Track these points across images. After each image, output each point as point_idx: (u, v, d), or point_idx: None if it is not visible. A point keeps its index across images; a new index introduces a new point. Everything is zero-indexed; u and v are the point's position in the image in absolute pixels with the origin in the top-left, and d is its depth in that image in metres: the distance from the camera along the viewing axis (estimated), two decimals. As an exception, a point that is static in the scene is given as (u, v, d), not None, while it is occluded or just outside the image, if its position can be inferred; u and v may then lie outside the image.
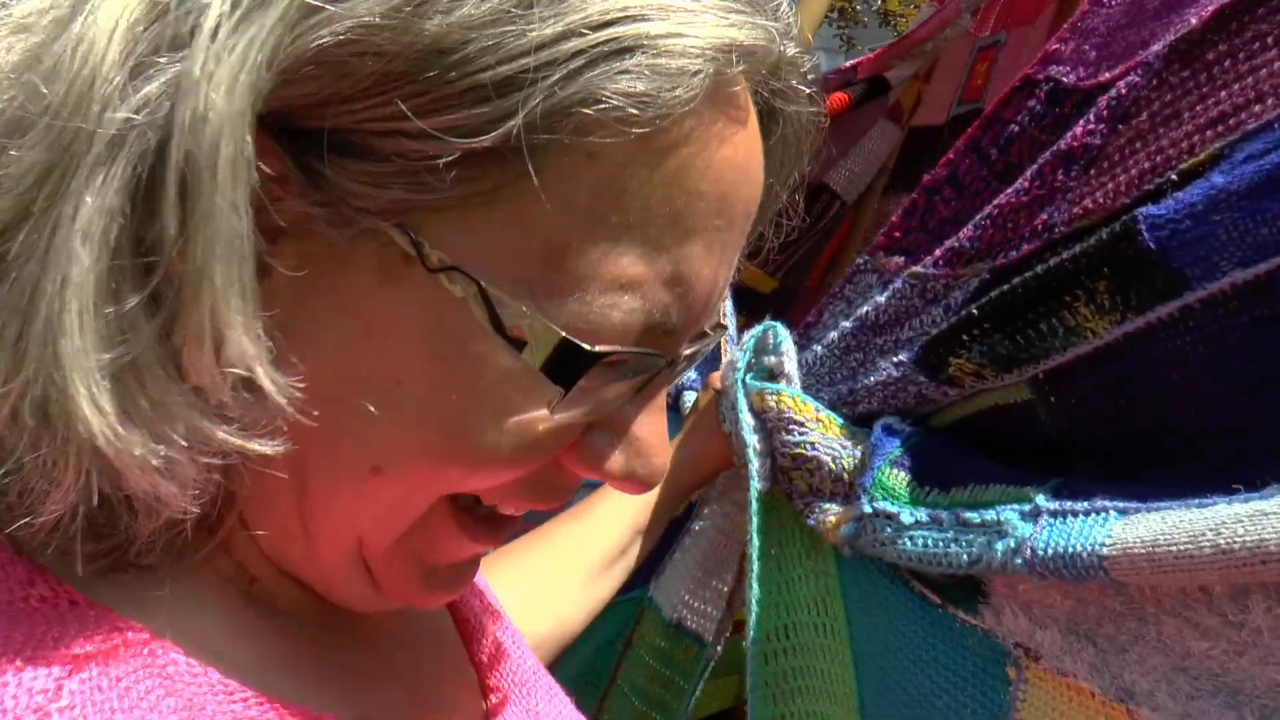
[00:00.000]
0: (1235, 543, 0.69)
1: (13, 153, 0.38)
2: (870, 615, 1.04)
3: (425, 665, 0.64)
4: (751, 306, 1.71)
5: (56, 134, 0.38)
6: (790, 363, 1.12)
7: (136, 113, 0.38)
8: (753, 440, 1.09)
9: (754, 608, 1.11)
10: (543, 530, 1.13)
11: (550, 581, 1.10)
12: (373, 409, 0.45)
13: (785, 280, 1.92)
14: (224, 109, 0.37)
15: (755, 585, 1.11)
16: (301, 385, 0.43)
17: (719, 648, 1.23)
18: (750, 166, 0.50)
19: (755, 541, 1.09)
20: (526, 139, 0.42)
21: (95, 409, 0.38)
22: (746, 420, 1.10)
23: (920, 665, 0.97)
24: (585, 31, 0.41)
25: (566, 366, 0.45)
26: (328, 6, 0.39)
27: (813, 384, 1.17)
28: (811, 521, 1.07)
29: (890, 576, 1.01)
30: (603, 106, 0.42)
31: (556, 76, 0.41)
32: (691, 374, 1.37)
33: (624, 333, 0.47)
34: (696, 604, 1.32)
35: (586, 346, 0.45)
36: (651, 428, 0.52)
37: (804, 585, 1.11)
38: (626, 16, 0.42)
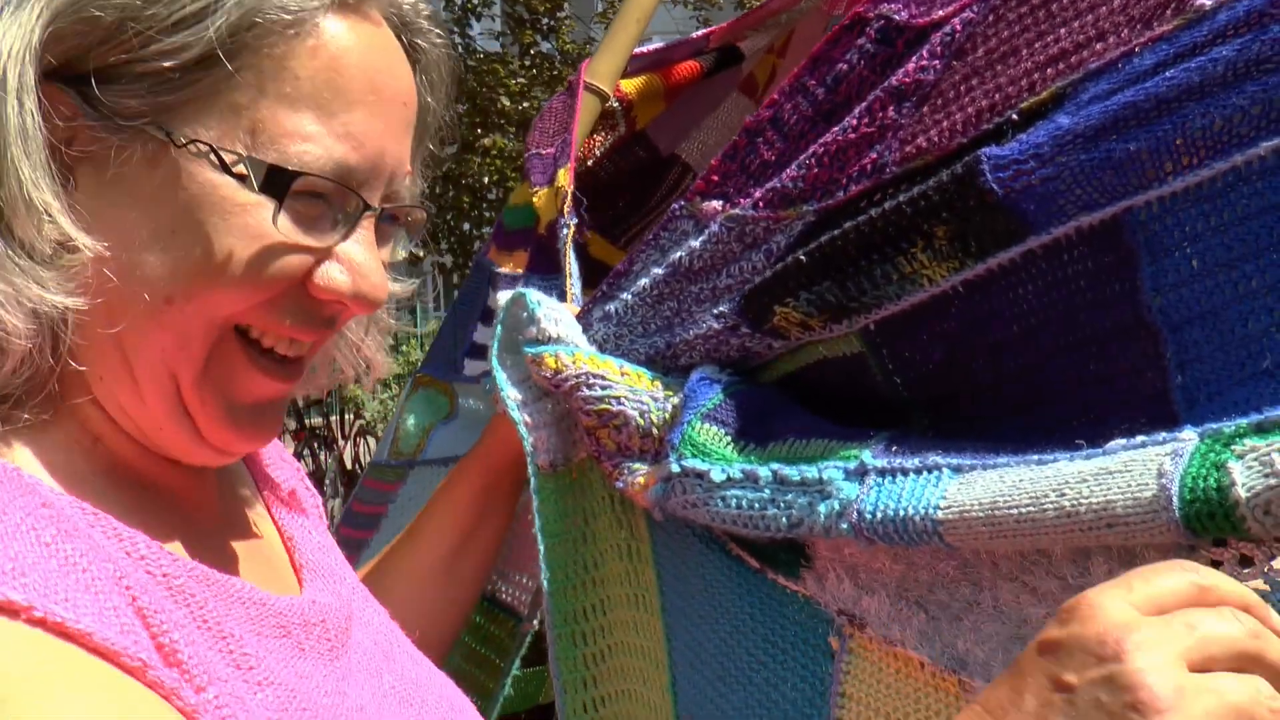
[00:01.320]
0: (1080, 505, 0.64)
1: None
2: (684, 584, 0.97)
3: (246, 532, 0.81)
4: (601, 278, 1.64)
5: None
6: (556, 324, 1.05)
7: None
8: (522, 415, 1.04)
9: (549, 587, 1.02)
10: (379, 558, 1.14)
11: (401, 593, 1.07)
12: (158, 253, 0.65)
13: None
14: (13, 77, 0.61)
15: (546, 565, 1.02)
16: (105, 245, 0.63)
17: (535, 622, 1.14)
18: (393, 66, 0.72)
19: (539, 519, 1.02)
20: (221, 49, 0.63)
21: None
22: (512, 395, 1.05)
23: (737, 636, 0.90)
24: None
25: (275, 183, 0.65)
26: None
27: (625, 335, 1.09)
28: (620, 484, 0.98)
29: (706, 540, 0.94)
30: (267, 19, 0.64)
31: (230, 3, 0.63)
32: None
33: (319, 170, 0.67)
34: (513, 575, 1.24)
35: (287, 167, 0.65)
36: (364, 256, 0.71)
37: (616, 556, 1.03)
38: None
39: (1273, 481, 0.56)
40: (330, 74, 0.67)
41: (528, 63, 8.89)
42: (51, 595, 0.54)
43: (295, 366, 0.73)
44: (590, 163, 1.54)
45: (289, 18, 0.65)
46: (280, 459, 0.95)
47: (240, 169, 0.64)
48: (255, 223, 0.66)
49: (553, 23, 8.97)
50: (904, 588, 0.79)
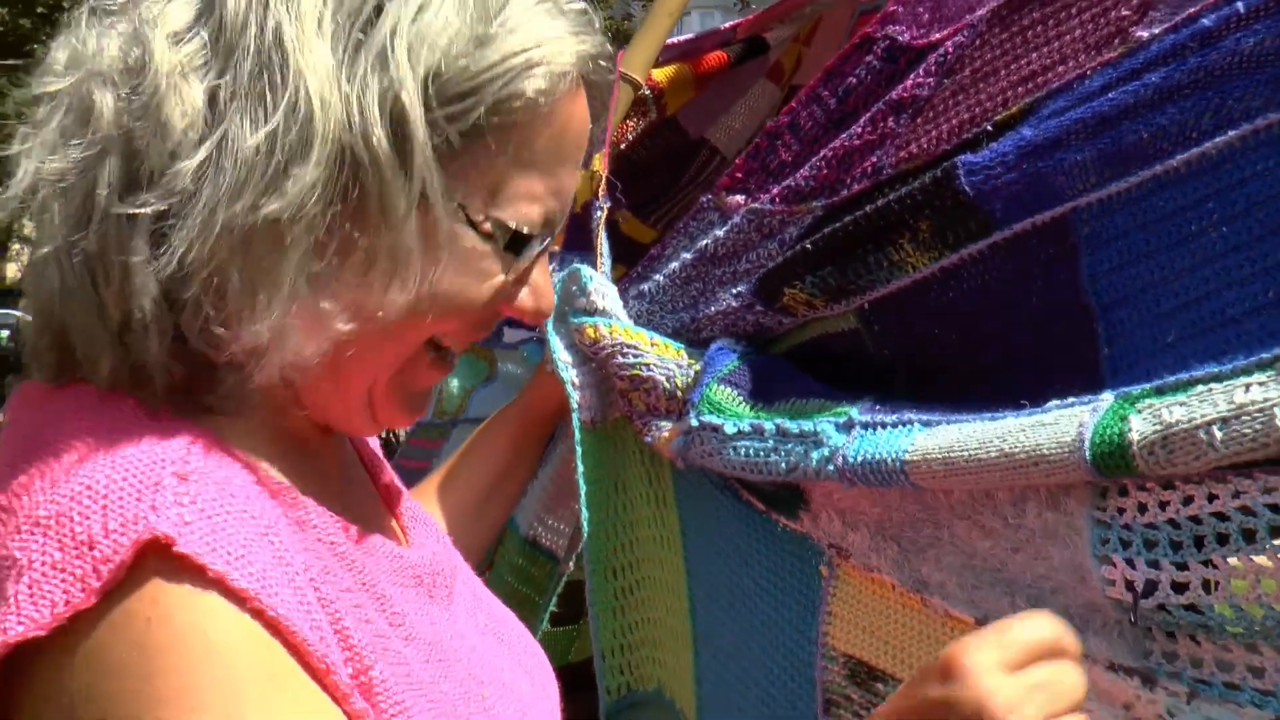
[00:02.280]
0: (1016, 448, 0.78)
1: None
2: (702, 524, 1.12)
3: (368, 488, 0.91)
4: (632, 255, 1.76)
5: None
6: (603, 299, 1.19)
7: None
8: (570, 375, 1.18)
9: (588, 528, 1.17)
10: (418, 489, 1.23)
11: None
12: (399, 289, 0.70)
13: (666, 231, 1.98)
14: (419, 130, 0.68)
15: (586, 509, 1.17)
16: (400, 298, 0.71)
17: (570, 564, 1.29)
18: (585, 115, 0.79)
19: (581, 467, 1.16)
20: (485, 123, 0.70)
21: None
22: (563, 357, 1.20)
23: (746, 567, 1.05)
24: (511, 58, 0.70)
25: (517, 244, 0.75)
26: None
27: (656, 311, 1.24)
28: (649, 439, 1.13)
29: (720, 486, 1.09)
30: (522, 98, 0.71)
31: (498, 84, 0.70)
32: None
33: (537, 223, 0.76)
34: (551, 521, 1.39)
35: (527, 231, 0.75)
36: (544, 279, 0.82)
37: (644, 503, 1.18)
38: (532, 46, 0.71)
39: (1158, 428, 0.70)
40: (558, 141, 0.75)
41: None
42: (268, 589, 0.59)
43: (454, 359, 0.82)
44: (624, 146, 1.66)
45: (536, 99, 0.71)
46: None
47: (487, 228, 0.73)
48: (487, 268, 0.74)
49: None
50: (881, 526, 0.93)
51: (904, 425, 0.90)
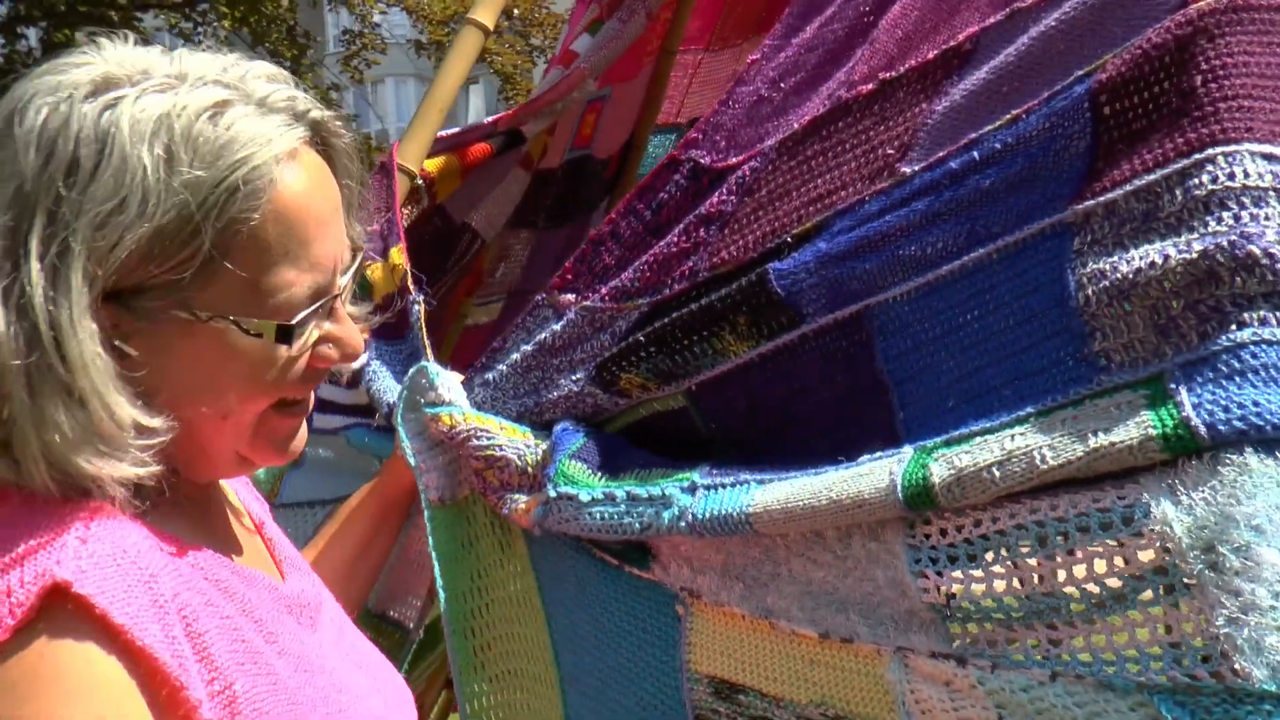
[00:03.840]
0: (843, 495, 1.00)
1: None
2: (560, 583, 1.28)
3: (247, 530, 1.05)
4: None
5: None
6: (449, 391, 1.35)
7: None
8: (416, 461, 1.34)
9: (443, 594, 1.31)
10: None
11: None
12: (211, 393, 0.86)
13: (434, 312, 2.12)
14: (76, 320, 0.77)
15: (441, 578, 1.31)
16: (169, 413, 0.83)
17: (420, 633, 1.41)
18: (325, 188, 0.89)
19: (432, 540, 1.31)
20: (215, 251, 0.81)
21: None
22: (410, 445, 1.35)
23: (606, 615, 1.22)
24: (214, 191, 0.80)
25: (285, 334, 0.86)
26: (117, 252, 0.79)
27: (500, 397, 1.40)
28: (505, 511, 1.29)
29: (575, 547, 1.26)
30: (241, 218, 0.82)
31: (212, 219, 0.80)
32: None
33: (302, 302, 0.87)
34: (400, 594, 1.50)
35: (289, 322, 0.86)
36: (341, 329, 0.93)
37: (498, 568, 1.33)
38: (234, 166, 0.81)
39: (953, 472, 0.94)
40: (289, 228, 0.84)
41: None
42: (140, 624, 0.75)
43: (306, 404, 0.97)
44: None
45: (253, 207, 0.82)
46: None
47: (254, 329, 0.85)
48: (273, 355, 0.87)
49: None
50: (726, 568, 1.13)
51: (741, 484, 1.10)
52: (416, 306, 1.58)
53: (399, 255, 1.66)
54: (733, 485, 1.11)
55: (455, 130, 2.03)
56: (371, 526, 1.38)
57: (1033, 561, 0.91)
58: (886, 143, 1.16)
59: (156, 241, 0.79)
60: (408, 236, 1.85)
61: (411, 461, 1.35)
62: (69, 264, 0.77)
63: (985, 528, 0.94)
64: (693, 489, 1.13)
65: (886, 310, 1.09)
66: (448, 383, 1.38)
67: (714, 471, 1.15)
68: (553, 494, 1.23)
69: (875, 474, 1.00)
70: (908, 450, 1.00)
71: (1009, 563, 0.93)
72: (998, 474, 0.91)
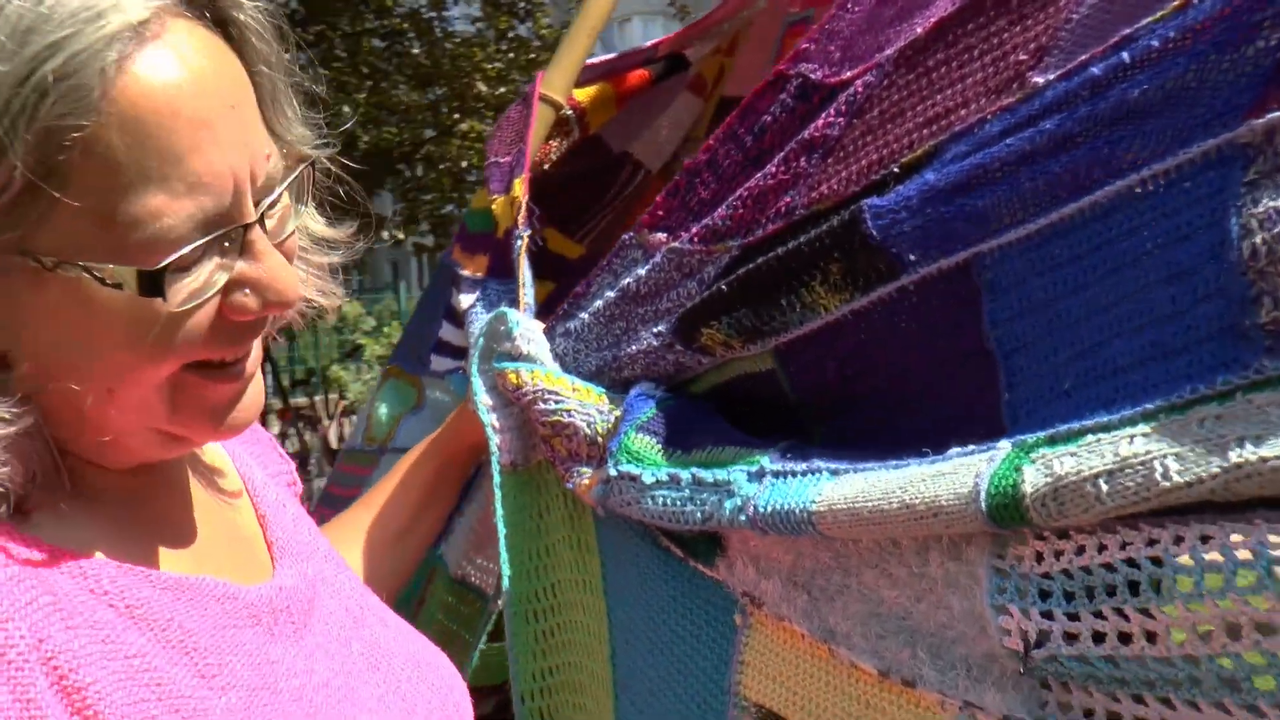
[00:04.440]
0: (916, 498, 0.78)
1: None
2: (623, 570, 1.11)
3: (220, 521, 0.87)
4: (559, 271, 1.76)
5: None
6: (528, 344, 1.19)
7: None
8: (489, 419, 1.18)
9: (508, 572, 1.16)
10: (337, 519, 1.25)
11: (354, 558, 1.19)
12: (81, 358, 0.67)
13: (592, 245, 1.98)
14: None
15: (506, 551, 1.17)
16: (31, 369, 0.66)
17: (500, 601, 1.29)
18: (205, 82, 0.66)
19: (500, 510, 1.16)
20: (35, 174, 0.60)
21: None
22: (484, 401, 1.19)
23: (663, 615, 1.05)
24: (16, 93, 0.59)
25: (153, 282, 0.65)
26: None
27: (581, 349, 1.24)
28: (570, 484, 1.13)
29: (640, 533, 1.09)
30: (65, 127, 0.60)
31: (21, 131, 0.59)
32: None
33: (183, 237, 0.66)
34: (479, 560, 1.38)
35: (151, 267, 0.64)
36: (261, 268, 0.71)
37: (566, 547, 1.17)
38: (36, 64, 0.59)
39: (1049, 480, 0.70)
40: (148, 137, 0.63)
41: (504, 47, 9.05)
42: None
43: (245, 361, 0.76)
44: (547, 166, 1.67)
45: (81, 110, 0.61)
46: (254, 436, 1.04)
47: (111, 278, 0.64)
48: (150, 312, 0.66)
49: (529, 6, 9.13)
50: (793, 574, 0.93)
51: (813, 474, 0.90)
52: (519, 241, 1.43)
53: (520, 187, 1.52)
54: (803, 474, 0.91)
55: (608, 56, 1.87)
56: (431, 482, 1.26)
57: (1141, 612, 0.67)
58: (1021, 46, 0.90)
59: None
60: (558, 169, 1.72)
61: (484, 419, 1.21)
62: None
63: (1088, 557, 0.70)
64: (760, 475, 0.94)
65: (999, 260, 0.85)
66: (527, 333, 1.22)
67: (788, 455, 0.95)
68: (613, 472, 1.05)
69: (959, 475, 0.77)
70: (1004, 446, 0.77)
71: (1113, 609, 0.69)
72: (1104, 488, 0.67)
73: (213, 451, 0.94)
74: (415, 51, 9.68)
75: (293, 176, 0.75)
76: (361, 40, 9.42)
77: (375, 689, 0.87)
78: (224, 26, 0.70)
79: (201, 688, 0.71)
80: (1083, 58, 0.83)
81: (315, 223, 0.88)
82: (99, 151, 0.62)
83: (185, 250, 0.66)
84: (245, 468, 0.96)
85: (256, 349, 0.78)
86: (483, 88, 8.66)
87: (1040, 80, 0.86)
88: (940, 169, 0.91)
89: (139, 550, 0.75)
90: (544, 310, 1.38)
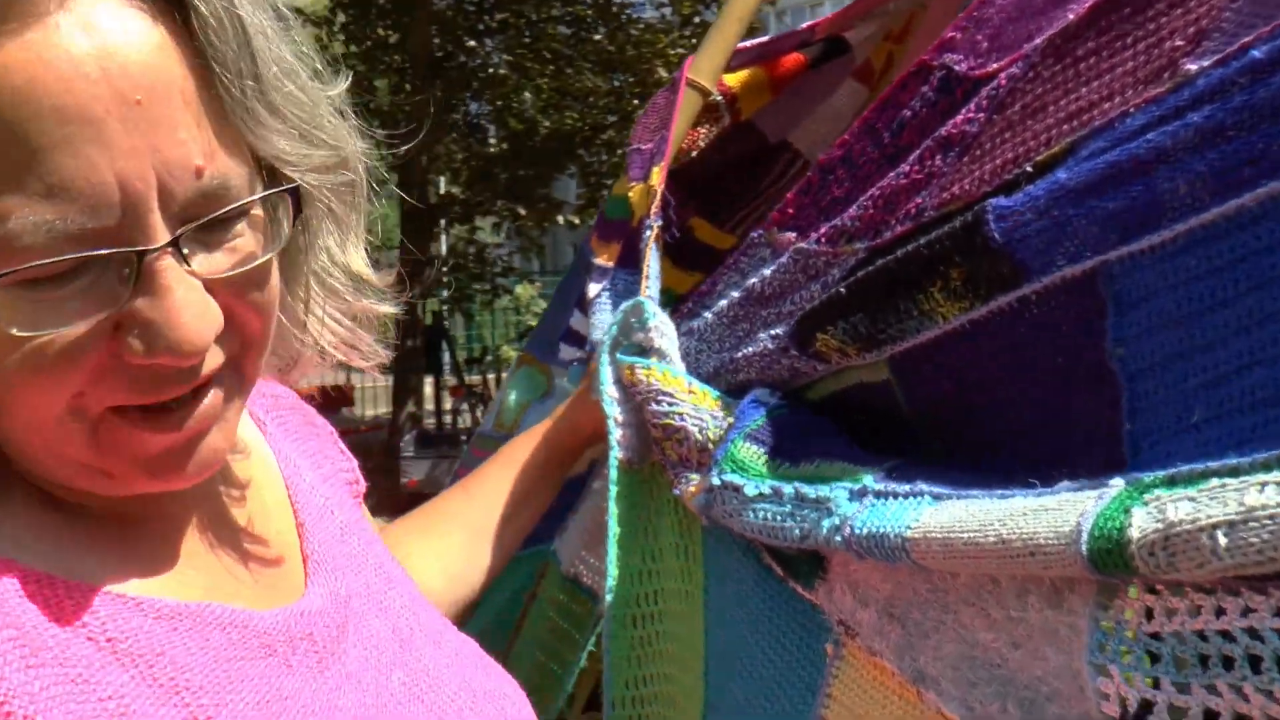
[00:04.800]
0: (1013, 534, 0.69)
1: None
2: (724, 585, 1.06)
3: (247, 538, 0.78)
4: (711, 263, 1.71)
5: None
6: (660, 338, 1.13)
7: None
8: (613, 411, 1.12)
9: (613, 573, 1.12)
10: (433, 502, 1.23)
11: (438, 544, 1.17)
12: None
13: (744, 236, 1.92)
14: None
15: (613, 550, 1.13)
16: None
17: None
18: (87, 66, 0.54)
19: (613, 509, 1.11)
20: None
21: None
22: (610, 393, 1.14)
23: (756, 635, 0.98)
24: None
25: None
26: None
27: (702, 350, 1.18)
28: (677, 491, 1.08)
29: (744, 547, 1.03)
30: None
31: None
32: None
33: (36, 248, 0.54)
34: (591, 560, 1.34)
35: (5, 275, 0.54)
36: (157, 310, 0.59)
37: (673, 554, 1.12)
38: None
39: (1159, 527, 0.61)
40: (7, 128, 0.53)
41: (689, 33, 9.05)
42: None
43: (194, 406, 0.64)
44: (695, 154, 1.61)
45: None
46: (312, 430, 0.97)
47: None
48: (2, 334, 0.56)
49: None
50: (890, 604, 0.85)
51: (914, 497, 0.82)
52: (649, 231, 1.38)
53: (657, 175, 1.47)
54: (905, 496, 0.83)
55: (761, 40, 1.78)
56: (536, 473, 1.22)
57: (1263, 693, 0.57)
58: (1178, 31, 0.80)
59: None
60: (707, 156, 1.67)
61: (608, 411, 1.16)
62: None
63: (1203, 621, 0.60)
64: (861, 494, 0.86)
65: (1128, 269, 0.75)
66: (660, 328, 1.17)
67: (893, 474, 0.87)
68: (716, 481, 1.00)
69: (1063, 511, 0.68)
70: (1117, 483, 0.67)
71: (1229, 686, 0.59)
72: (1223, 542, 0.57)
73: (251, 457, 0.85)
74: (599, 38, 9.80)
75: (247, 200, 0.63)
76: (546, 27, 9.58)
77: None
78: (176, 9, 0.59)
79: None
80: (1245, 39, 0.73)
81: (357, 259, 0.77)
82: None
83: (36, 263, 0.55)
84: (291, 470, 0.88)
85: (213, 400, 0.65)
86: (664, 74, 8.75)
87: (1193, 67, 0.76)
88: (1073, 167, 0.81)
89: (136, 574, 0.67)
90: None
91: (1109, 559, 0.63)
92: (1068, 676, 0.68)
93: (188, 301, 0.59)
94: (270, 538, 0.80)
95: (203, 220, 0.60)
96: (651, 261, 1.32)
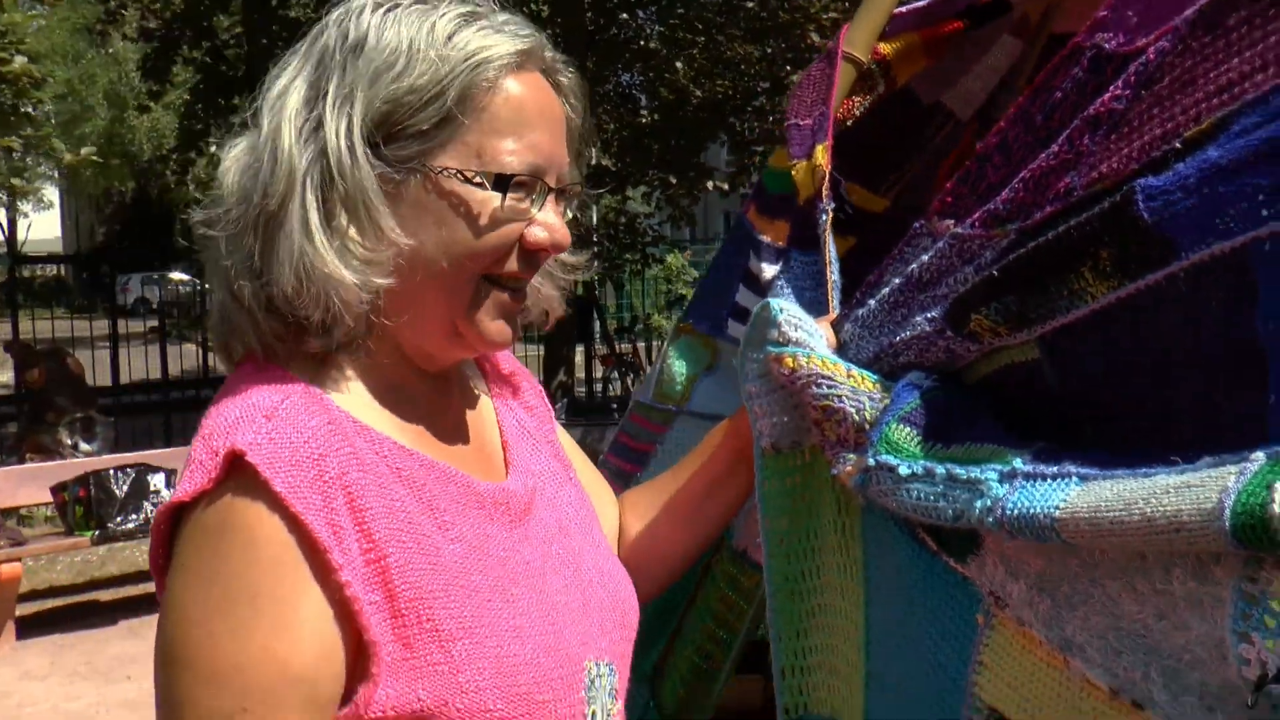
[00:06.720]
0: (1158, 512, 0.71)
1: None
2: (883, 560, 1.09)
3: (473, 429, 1.17)
4: (864, 227, 1.70)
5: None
6: (795, 330, 1.17)
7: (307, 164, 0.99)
8: (752, 403, 1.19)
9: (767, 550, 1.17)
10: (649, 483, 1.40)
11: (657, 522, 1.34)
12: (434, 239, 1.01)
13: (899, 199, 1.90)
14: (345, 153, 0.99)
15: (764, 531, 1.17)
16: (407, 242, 1.00)
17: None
18: (549, 100, 1.07)
19: (759, 491, 1.16)
20: (456, 109, 1.00)
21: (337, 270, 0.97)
22: (748, 387, 1.20)
23: (912, 607, 1.02)
24: (461, 65, 1.00)
25: (500, 183, 1.01)
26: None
27: (864, 336, 1.21)
28: (835, 470, 1.11)
29: (900, 524, 1.06)
30: (479, 87, 1.01)
31: (456, 83, 1.00)
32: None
33: (520, 168, 1.02)
34: (758, 539, 1.39)
35: (509, 173, 1.02)
36: (553, 218, 1.06)
37: (832, 531, 1.16)
38: (475, 51, 1.01)
39: (1299, 500, 0.62)
40: (516, 111, 1.03)
41: None
42: (298, 493, 0.89)
43: (522, 291, 1.09)
44: (850, 123, 1.60)
45: (489, 85, 1.01)
46: (528, 384, 1.34)
47: (478, 180, 1.01)
48: (491, 209, 1.02)
49: None
50: (1041, 579, 0.87)
51: (1062, 478, 0.84)
52: (825, 216, 1.41)
53: (823, 154, 1.48)
54: (1053, 478, 0.85)
55: (917, 5, 1.76)
56: (725, 464, 1.28)
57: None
58: (1337, -4, 0.79)
59: (413, 94, 0.99)
60: (861, 123, 1.66)
61: (747, 404, 1.22)
62: (351, 106, 0.99)
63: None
64: (1011, 476, 0.89)
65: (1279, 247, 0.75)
66: (792, 319, 1.21)
67: (1041, 457, 0.89)
68: (872, 462, 1.03)
69: (1205, 488, 0.69)
70: (1258, 458, 0.68)
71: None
72: (1360, 512, 0.58)
73: (482, 387, 1.25)
74: (750, 4, 9.69)
75: (576, 182, 1.12)
76: (698, -6, 9.58)
77: (563, 581, 1.10)
78: (556, 86, 1.10)
79: (438, 534, 0.99)
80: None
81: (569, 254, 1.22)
82: (489, 107, 1.01)
83: (520, 175, 1.03)
84: (505, 406, 1.26)
85: (526, 299, 1.11)
86: (816, 38, 8.57)
87: (1347, 37, 0.75)
88: (1225, 144, 0.81)
89: (409, 434, 1.05)
90: (844, 267, 1.36)
91: (1253, 534, 0.64)
92: (1210, 645, 0.70)
93: (562, 220, 1.08)
94: (487, 437, 1.19)
95: (563, 185, 1.09)
96: (832, 248, 1.35)
